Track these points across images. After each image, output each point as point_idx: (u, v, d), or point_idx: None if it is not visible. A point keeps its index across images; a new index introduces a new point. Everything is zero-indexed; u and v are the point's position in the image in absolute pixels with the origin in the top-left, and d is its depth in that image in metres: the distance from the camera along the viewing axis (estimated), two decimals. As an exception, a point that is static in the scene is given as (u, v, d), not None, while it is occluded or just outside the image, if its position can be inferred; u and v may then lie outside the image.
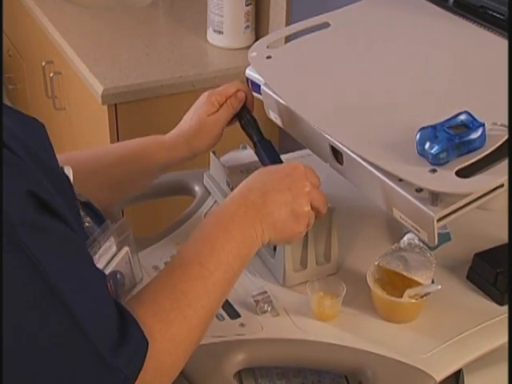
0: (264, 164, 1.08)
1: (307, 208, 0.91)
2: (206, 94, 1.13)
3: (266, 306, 1.00)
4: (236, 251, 0.86)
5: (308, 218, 0.92)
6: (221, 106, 1.12)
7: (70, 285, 0.67)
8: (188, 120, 1.13)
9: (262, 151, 1.09)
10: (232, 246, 0.85)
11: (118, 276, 0.84)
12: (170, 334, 0.77)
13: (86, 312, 0.68)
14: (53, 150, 0.82)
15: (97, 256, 0.79)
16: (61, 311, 0.66)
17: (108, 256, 0.82)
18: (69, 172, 0.94)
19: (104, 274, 0.77)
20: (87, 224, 0.81)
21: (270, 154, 1.09)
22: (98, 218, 0.85)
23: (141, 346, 0.73)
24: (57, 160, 0.81)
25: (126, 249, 0.85)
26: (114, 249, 0.83)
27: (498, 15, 1.12)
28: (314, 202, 0.92)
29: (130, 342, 0.71)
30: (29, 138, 0.73)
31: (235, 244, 0.86)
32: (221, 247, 0.84)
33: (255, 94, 1.18)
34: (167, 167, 1.14)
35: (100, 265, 0.80)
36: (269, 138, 1.12)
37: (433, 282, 0.99)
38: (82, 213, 0.81)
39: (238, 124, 1.15)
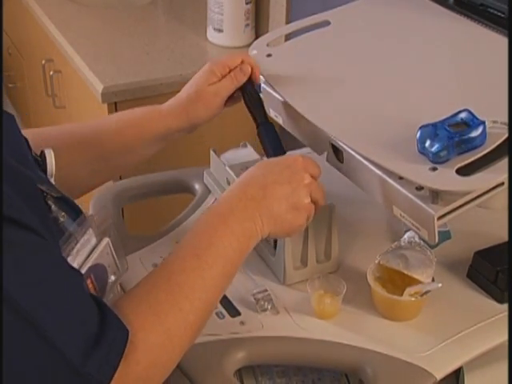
0: (265, 148, 1.07)
1: (307, 200, 0.90)
2: (207, 64, 1.10)
3: (266, 304, 1.00)
4: (235, 244, 0.85)
5: (308, 210, 0.91)
6: (223, 76, 1.08)
7: (34, 297, 0.66)
8: (187, 89, 1.10)
9: (264, 135, 1.07)
10: (231, 240, 0.84)
11: (100, 268, 0.82)
12: (165, 327, 0.76)
13: (52, 321, 0.67)
14: (21, 143, 0.80)
15: (74, 251, 0.78)
16: (24, 325, 0.65)
17: (87, 249, 0.80)
18: (50, 155, 0.93)
19: (79, 273, 0.75)
20: (62, 219, 0.79)
21: (272, 138, 1.06)
22: (75, 211, 0.83)
23: (115, 347, 0.71)
24: (25, 153, 0.80)
25: (106, 240, 0.83)
26: (94, 241, 0.82)
27: (497, 13, 1.12)
28: (313, 194, 0.91)
29: (103, 345, 0.70)
30: None
31: (234, 238, 0.85)
32: (219, 241, 0.84)
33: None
34: (164, 137, 1.10)
35: (79, 259, 0.78)
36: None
37: (433, 280, 0.99)
38: (55, 208, 0.79)
39: (237, 124, 1.14)
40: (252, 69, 1.09)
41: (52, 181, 0.94)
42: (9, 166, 0.72)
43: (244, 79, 1.08)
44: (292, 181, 0.89)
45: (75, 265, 0.77)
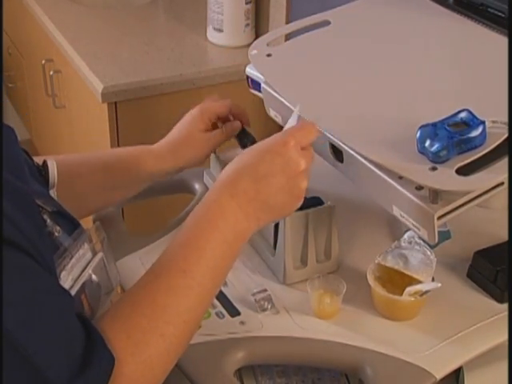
0: None
1: (305, 184, 0.84)
2: (197, 109, 1.10)
3: (266, 303, 1.00)
4: (227, 253, 0.80)
5: (304, 190, 0.86)
6: (212, 123, 1.10)
7: (20, 321, 0.65)
8: (177, 132, 1.10)
9: None
10: (223, 249, 0.80)
11: (94, 284, 0.81)
12: (144, 357, 0.73)
13: (37, 347, 0.66)
14: (18, 157, 0.79)
15: (69, 265, 0.77)
16: (8, 349, 0.64)
17: (83, 263, 0.79)
18: (52, 166, 0.93)
19: (69, 297, 0.73)
20: (56, 234, 0.78)
21: None
22: (72, 224, 0.82)
23: (100, 377, 0.70)
24: (22, 167, 0.79)
25: (100, 255, 0.82)
26: (89, 255, 0.80)
27: (497, 13, 1.12)
28: (309, 166, 0.86)
29: (87, 373, 0.68)
30: None
31: (226, 245, 0.80)
32: (210, 252, 0.79)
33: (256, 92, 1.18)
34: (152, 177, 1.10)
35: (73, 274, 0.77)
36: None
37: (433, 279, 0.99)
38: (50, 222, 0.77)
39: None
40: (241, 115, 1.12)
41: (53, 191, 0.94)
42: (7, 181, 0.71)
43: (234, 133, 1.12)
44: (286, 169, 0.82)
45: (70, 280, 0.76)
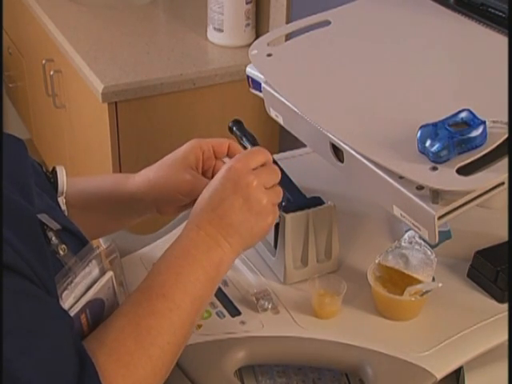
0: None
1: (264, 199, 0.85)
2: (193, 140, 1.00)
3: (266, 303, 1.00)
4: (203, 278, 0.82)
5: (269, 206, 0.86)
6: (206, 154, 1.00)
7: (17, 350, 0.65)
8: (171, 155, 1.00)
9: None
10: (198, 274, 0.82)
11: (98, 303, 0.80)
12: (134, 379, 0.74)
13: (30, 374, 0.66)
14: (25, 171, 0.79)
15: (72, 284, 0.76)
16: (5, 379, 0.64)
17: (88, 281, 0.78)
18: (61, 172, 0.93)
19: (68, 319, 0.73)
20: (61, 252, 0.77)
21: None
22: (80, 241, 0.82)
23: None
24: (28, 182, 0.78)
25: (109, 274, 0.81)
26: (97, 273, 0.80)
27: (498, 13, 1.12)
28: (267, 184, 0.86)
29: None
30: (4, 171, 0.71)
31: (202, 271, 0.82)
32: (186, 277, 0.81)
33: (256, 92, 1.18)
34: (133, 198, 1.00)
35: (76, 292, 0.77)
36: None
37: (433, 279, 0.99)
38: (55, 241, 0.77)
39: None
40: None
41: (62, 199, 0.93)
42: (9, 200, 0.71)
43: None
44: (237, 190, 0.84)
45: (71, 298, 0.76)
